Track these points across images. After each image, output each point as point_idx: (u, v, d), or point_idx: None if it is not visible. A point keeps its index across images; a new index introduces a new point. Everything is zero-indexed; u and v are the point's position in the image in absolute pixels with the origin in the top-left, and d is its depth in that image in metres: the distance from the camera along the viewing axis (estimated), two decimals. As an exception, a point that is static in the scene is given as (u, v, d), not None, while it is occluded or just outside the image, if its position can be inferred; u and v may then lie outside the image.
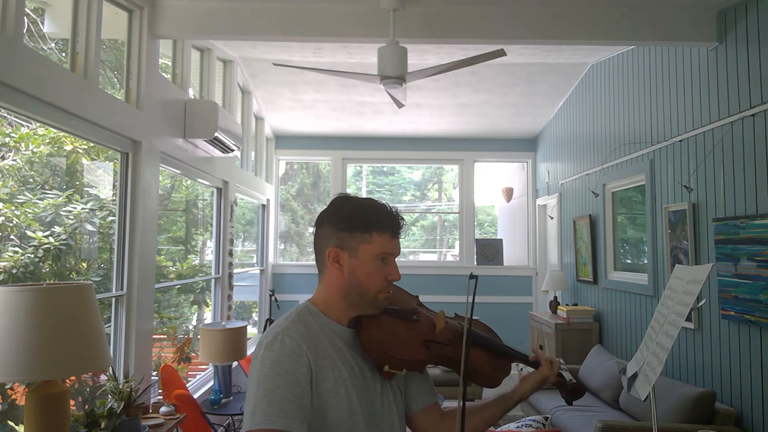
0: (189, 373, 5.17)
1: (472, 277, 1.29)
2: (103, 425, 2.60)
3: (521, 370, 1.60)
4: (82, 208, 3.97)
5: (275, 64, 4.27)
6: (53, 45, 3.96)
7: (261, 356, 1.23)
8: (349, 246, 1.32)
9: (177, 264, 5.94)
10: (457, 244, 10.04)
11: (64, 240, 3.72)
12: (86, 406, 3.49)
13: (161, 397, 3.57)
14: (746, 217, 3.20)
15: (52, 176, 4.13)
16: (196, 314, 6.51)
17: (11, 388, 3.23)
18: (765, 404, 3.11)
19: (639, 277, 4.68)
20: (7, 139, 3.77)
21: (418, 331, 1.39)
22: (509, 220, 8.89)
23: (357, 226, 1.31)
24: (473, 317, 1.50)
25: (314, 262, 1.41)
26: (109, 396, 2.76)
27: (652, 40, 3.78)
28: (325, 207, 1.39)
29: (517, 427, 3.27)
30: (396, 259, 1.38)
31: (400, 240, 1.39)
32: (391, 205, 1.37)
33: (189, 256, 6.44)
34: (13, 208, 3.61)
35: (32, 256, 3.54)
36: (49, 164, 4.11)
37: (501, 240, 7.75)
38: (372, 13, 3.65)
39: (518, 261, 7.80)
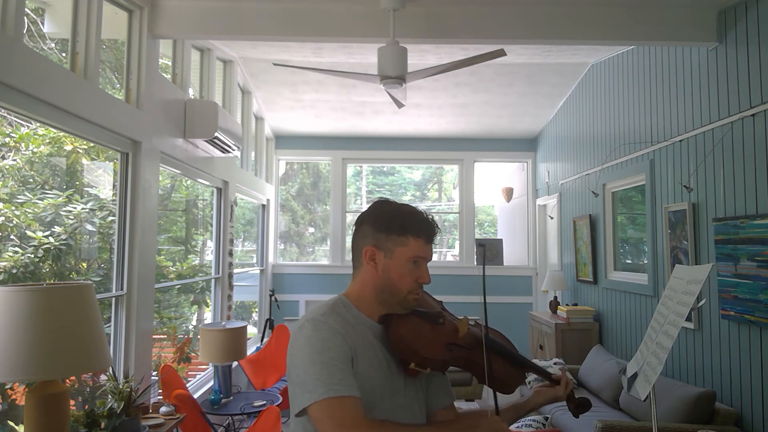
0: (189, 373, 5.17)
1: (480, 244, 1.39)
2: (103, 425, 2.60)
3: (529, 383, 1.68)
4: (82, 208, 3.97)
5: (275, 64, 4.28)
6: (53, 45, 3.95)
7: (307, 336, 1.30)
8: (385, 246, 1.40)
9: (177, 264, 5.94)
10: (457, 244, 10.04)
11: (64, 240, 3.71)
12: (86, 406, 3.49)
13: (161, 397, 3.57)
14: (746, 217, 3.20)
15: (52, 176, 4.13)
16: (196, 314, 6.51)
17: (11, 388, 3.22)
18: (765, 404, 3.11)
19: (639, 277, 4.68)
20: (7, 139, 3.77)
21: (443, 334, 1.46)
22: (509, 220, 8.89)
23: (394, 228, 1.40)
24: (494, 329, 1.61)
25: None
26: (109, 396, 2.76)
27: (652, 40, 3.78)
28: (365, 209, 1.48)
29: (517, 427, 3.27)
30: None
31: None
32: (427, 212, 1.45)
33: (189, 256, 6.44)
34: (13, 208, 3.61)
35: (32, 256, 3.54)
36: (49, 164, 4.11)
37: (501, 240, 7.75)
38: (372, 13, 3.64)
39: (518, 261, 7.79)
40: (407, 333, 1.39)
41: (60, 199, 3.84)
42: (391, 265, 1.39)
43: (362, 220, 1.45)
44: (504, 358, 1.55)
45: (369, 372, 1.33)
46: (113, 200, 3.63)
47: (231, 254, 5.35)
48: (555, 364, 4.78)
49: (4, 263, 3.43)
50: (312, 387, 1.23)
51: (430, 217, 1.44)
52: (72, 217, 3.86)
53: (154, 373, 3.85)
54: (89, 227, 4.07)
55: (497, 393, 1.46)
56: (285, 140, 7.55)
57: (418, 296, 1.43)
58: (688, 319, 3.77)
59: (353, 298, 1.43)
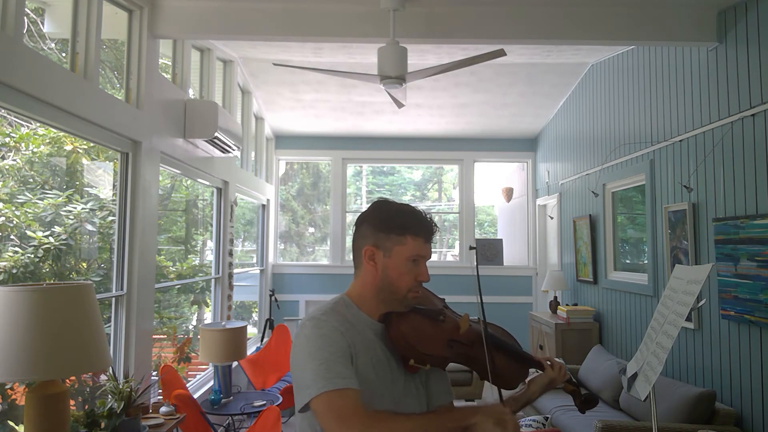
0: (189, 373, 5.17)
1: (471, 248, 1.54)
2: (103, 425, 2.60)
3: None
4: (82, 208, 3.97)
5: (275, 64, 4.28)
6: (53, 45, 3.95)
7: (308, 335, 1.33)
8: (384, 246, 1.42)
9: (177, 264, 5.94)
10: (457, 244, 10.04)
11: (64, 240, 3.71)
12: (86, 406, 3.49)
13: (161, 397, 3.57)
14: (746, 217, 3.20)
15: (52, 176, 4.13)
16: (196, 314, 6.51)
17: (11, 388, 3.23)
18: (765, 404, 3.11)
19: (639, 277, 4.68)
20: (7, 139, 3.77)
21: (444, 331, 1.49)
22: (509, 220, 8.89)
23: (393, 228, 1.42)
24: (496, 325, 1.63)
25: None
26: (109, 396, 2.76)
27: (652, 40, 3.78)
28: (365, 209, 1.51)
29: (517, 427, 3.26)
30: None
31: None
32: (426, 212, 1.48)
33: (189, 256, 6.44)
34: (13, 208, 3.61)
35: (32, 256, 3.54)
36: (49, 164, 4.10)
37: (501, 240, 7.75)
38: (372, 13, 3.64)
39: (518, 261, 7.80)
40: (407, 330, 1.42)
41: (60, 199, 3.84)
42: (390, 264, 1.42)
43: (362, 220, 1.48)
44: (505, 354, 1.57)
45: (369, 369, 1.35)
46: (113, 200, 3.63)
47: (231, 254, 5.35)
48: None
49: (4, 263, 3.43)
50: (312, 382, 1.26)
51: (429, 216, 1.46)
52: (72, 217, 3.86)
53: (154, 373, 3.84)
54: (89, 227, 4.07)
55: (503, 389, 1.48)
56: (285, 140, 7.55)
57: (418, 294, 1.46)
58: (688, 319, 3.77)
59: (354, 298, 1.46)
